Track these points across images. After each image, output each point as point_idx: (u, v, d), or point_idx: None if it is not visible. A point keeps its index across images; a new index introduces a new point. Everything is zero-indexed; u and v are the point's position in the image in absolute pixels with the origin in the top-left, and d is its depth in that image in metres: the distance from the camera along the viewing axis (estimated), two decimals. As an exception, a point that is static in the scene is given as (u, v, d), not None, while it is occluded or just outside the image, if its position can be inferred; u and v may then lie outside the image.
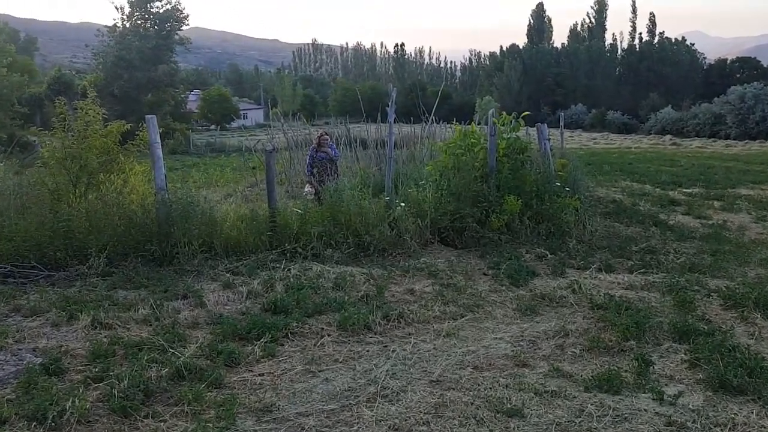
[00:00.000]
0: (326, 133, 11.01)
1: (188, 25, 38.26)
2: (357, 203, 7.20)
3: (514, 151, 8.29)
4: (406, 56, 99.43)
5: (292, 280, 5.91)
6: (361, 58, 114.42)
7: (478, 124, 31.70)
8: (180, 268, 6.24)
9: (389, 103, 7.67)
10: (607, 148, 35.69)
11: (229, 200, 13.04)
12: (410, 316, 5.07)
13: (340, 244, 6.98)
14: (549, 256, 7.29)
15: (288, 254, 6.77)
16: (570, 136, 48.23)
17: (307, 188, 10.89)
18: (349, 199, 7.21)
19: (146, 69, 36.01)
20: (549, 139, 9.85)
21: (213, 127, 63.76)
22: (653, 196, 12.58)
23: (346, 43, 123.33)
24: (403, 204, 7.36)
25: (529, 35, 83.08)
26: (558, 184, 8.57)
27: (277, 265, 6.36)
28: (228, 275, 6.08)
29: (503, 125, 8.48)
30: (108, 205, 6.37)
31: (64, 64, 76.22)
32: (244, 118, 71.80)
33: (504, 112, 8.99)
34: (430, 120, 19.07)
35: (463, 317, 5.17)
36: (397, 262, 6.88)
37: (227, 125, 60.49)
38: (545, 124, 10.29)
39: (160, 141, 6.82)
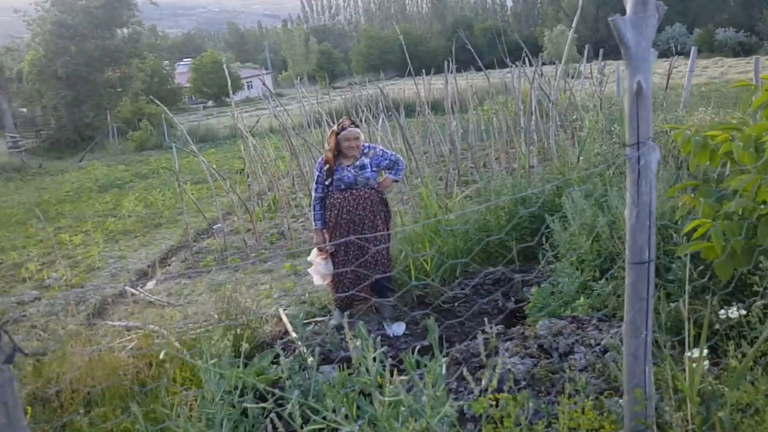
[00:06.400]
0: (354, 123, 5.20)
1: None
2: None
3: None
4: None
5: None
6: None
7: (551, 64, 25.25)
8: None
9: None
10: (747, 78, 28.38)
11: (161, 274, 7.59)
12: None
13: None
14: None
15: None
16: (675, 68, 41.15)
17: (315, 261, 5.19)
18: None
19: (99, 36, 30.39)
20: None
21: (210, 103, 58.74)
22: None
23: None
24: None
25: (599, -58, 74.23)
26: None
27: None
28: None
29: None
30: None
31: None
32: (249, 88, 66.56)
33: None
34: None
35: None
36: None
37: (227, 99, 55.28)
38: None
39: None
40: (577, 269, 4.19)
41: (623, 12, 1.84)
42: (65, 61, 29.41)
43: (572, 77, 16.56)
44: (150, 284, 7.69)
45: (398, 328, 4.91)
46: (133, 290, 7.19)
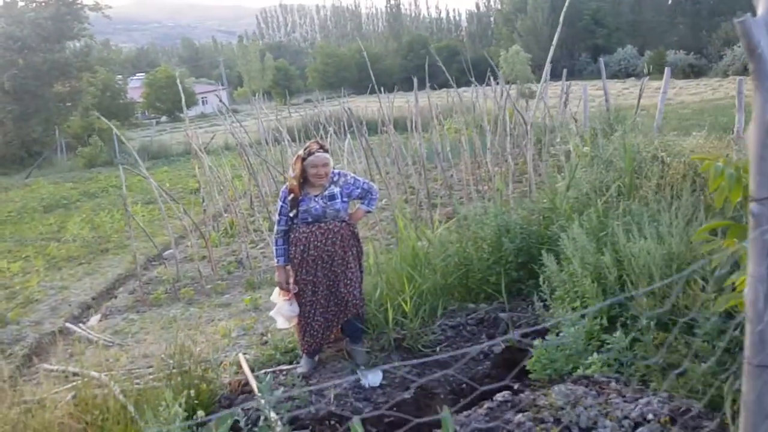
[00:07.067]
0: (323, 148, 4.60)
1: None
2: None
3: None
4: (400, 6, 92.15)
5: None
6: (342, 15, 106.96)
7: (514, 83, 25.32)
8: None
9: None
10: (712, 101, 28.29)
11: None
12: None
13: None
14: None
15: None
16: (625, 88, 41.89)
17: (278, 302, 4.59)
18: None
19: (48, 49, 29.07)
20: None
21: (164, 118, 57.37)
22: None
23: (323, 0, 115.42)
24: None
25: (553, -35, 75.75)
26: None
27: None
28: None
29: None
30: None
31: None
32: (203, 104, 65.23)
33: None
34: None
35: None
36: None
37: (181, 114, 53.93)
38: None
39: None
40: (581, 316, 3.68)
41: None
42: (12, 74, 28.00)
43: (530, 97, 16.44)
44: (93, 320, 6.93)
45: (374, 378, 4.30)
46: (74, 327, 6.43)
